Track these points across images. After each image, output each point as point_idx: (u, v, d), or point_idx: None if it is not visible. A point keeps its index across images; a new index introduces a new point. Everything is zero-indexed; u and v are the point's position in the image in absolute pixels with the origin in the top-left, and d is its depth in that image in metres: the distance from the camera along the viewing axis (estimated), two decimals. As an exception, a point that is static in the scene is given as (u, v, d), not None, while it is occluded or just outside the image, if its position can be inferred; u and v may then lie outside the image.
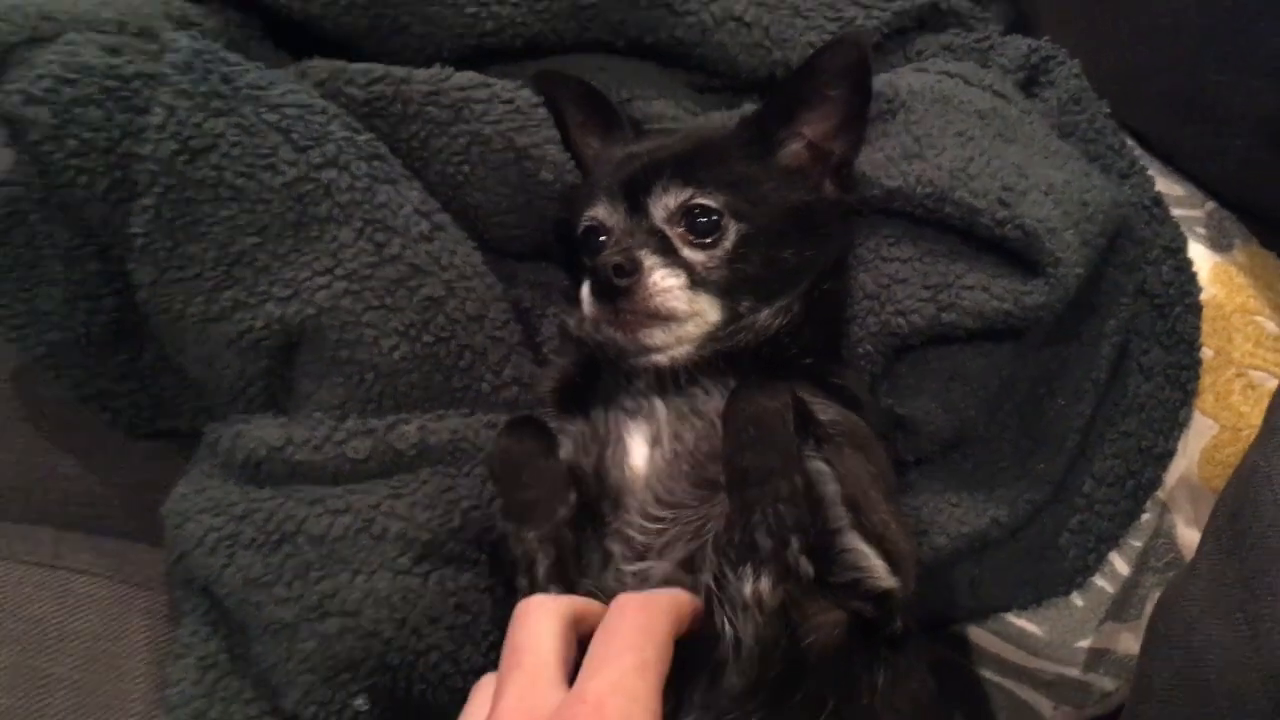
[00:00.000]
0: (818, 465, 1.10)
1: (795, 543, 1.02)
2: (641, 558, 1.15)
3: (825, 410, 1.17)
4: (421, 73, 1.36)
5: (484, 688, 0.99)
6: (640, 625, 0.95)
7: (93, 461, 1.43)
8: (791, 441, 1.07)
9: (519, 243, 1.43)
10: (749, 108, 1.46)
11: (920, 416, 1.35)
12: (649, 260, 1.20)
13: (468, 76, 1.37)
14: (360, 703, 1.17)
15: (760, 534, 1.02)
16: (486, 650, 1.25)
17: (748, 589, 1.02)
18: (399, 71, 1.36)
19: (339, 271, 1.25)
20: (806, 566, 1.02)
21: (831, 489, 1.09)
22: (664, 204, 1.25)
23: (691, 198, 1.24)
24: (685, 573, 1.11)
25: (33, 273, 1.34)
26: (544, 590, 1.11)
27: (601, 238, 1.29)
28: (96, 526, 1.41)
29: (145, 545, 1.39)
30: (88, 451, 1.43)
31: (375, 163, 1.29)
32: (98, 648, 1.29)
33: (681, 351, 1.22)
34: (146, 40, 1.30)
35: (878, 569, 1.10)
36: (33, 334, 1.34)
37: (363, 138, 1.30)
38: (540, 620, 0.97)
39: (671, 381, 1.23)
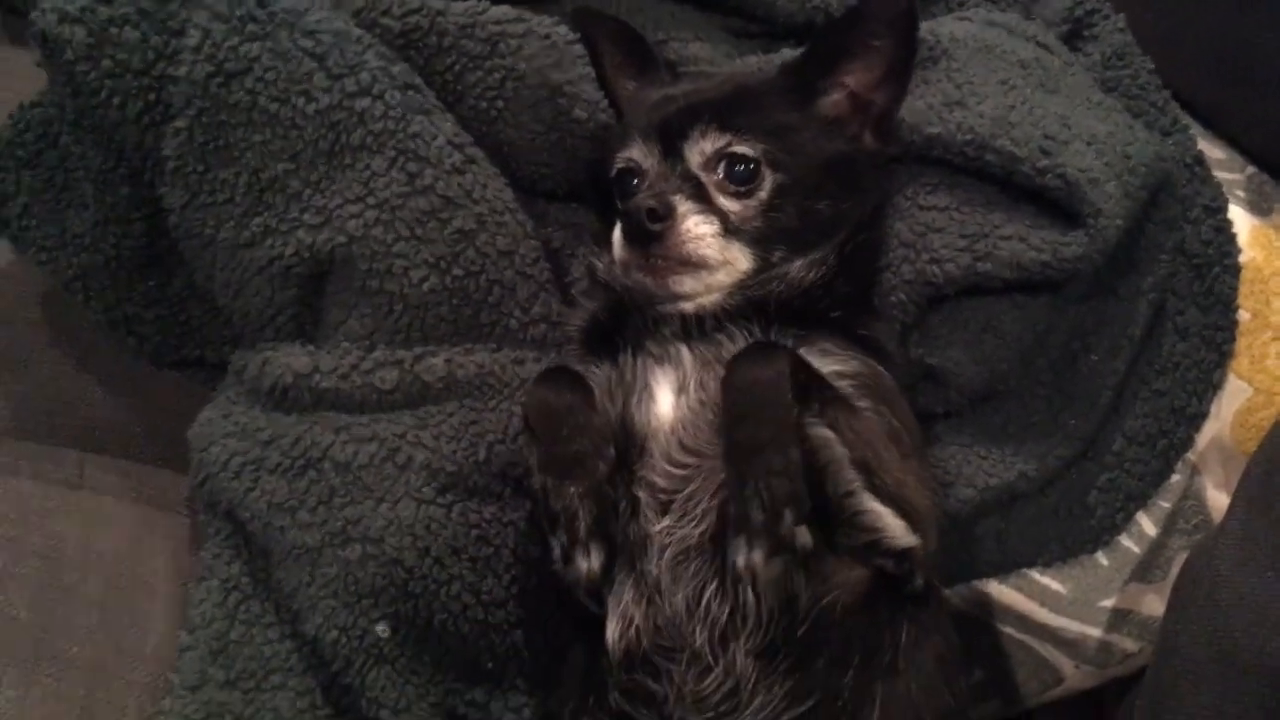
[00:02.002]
0: (821, 432, 1.08)
1: (789, 516, 1.00)
2: (666, 510, 1.14)
3: (848, 361, 1.17)
4: (458, 5, 1.35)
5: None
6: None
7: (118, 388, 1.43)
8: (787, 412, 1.05)
9: (550, 181, 1.42)
10: (786, 53, 1.44)
11: (951, 367, 1.34)
12: (683, 206, 1.18)
13: (503, 11, 1.35)
14: (381, 629, 1.17)
15: (753, 507, 1.01)
16: (509, 584, 1.25)
17: (741, 561, 1.01)
18: (435, 3, 1.34)
19: (370, 200, 1.24)
20: (805, 539, 1.01)
21: (839, 452, 1.08)
22: (700, 149, 1.23)
23: (729, 144, 1.22)
24: (710, 544, 1.11)
25: (63, 196, 1.33)
26: (584, 546, 1.09)
27: (635, 180, 1.27)
28: (121, 451, 1.42)
29: (169, 471, 1.39)
30: (114, 378, 1.43)
31: (409, 93, 1.27)
32: (121, 567, 1.29)
33: (710, 299, 1.21)
34: (183, -37, 1.29)
35: (894, 528, 1.09)
36: (62, 257, 1.34)
37: (397, 68, 1.28)
38: None
39: (697, 327, 1.22)
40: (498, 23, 1.34)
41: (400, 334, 1.27)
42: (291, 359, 1.24)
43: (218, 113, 1.22)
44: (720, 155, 1.22)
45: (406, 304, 1.26)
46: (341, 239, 1.24)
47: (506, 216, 1.31)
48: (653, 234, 1.17)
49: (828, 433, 1.08)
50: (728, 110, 1.23)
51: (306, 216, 1.24)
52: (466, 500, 1.23)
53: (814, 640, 1.09)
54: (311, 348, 1.27)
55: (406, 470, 1.20)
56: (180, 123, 1.22)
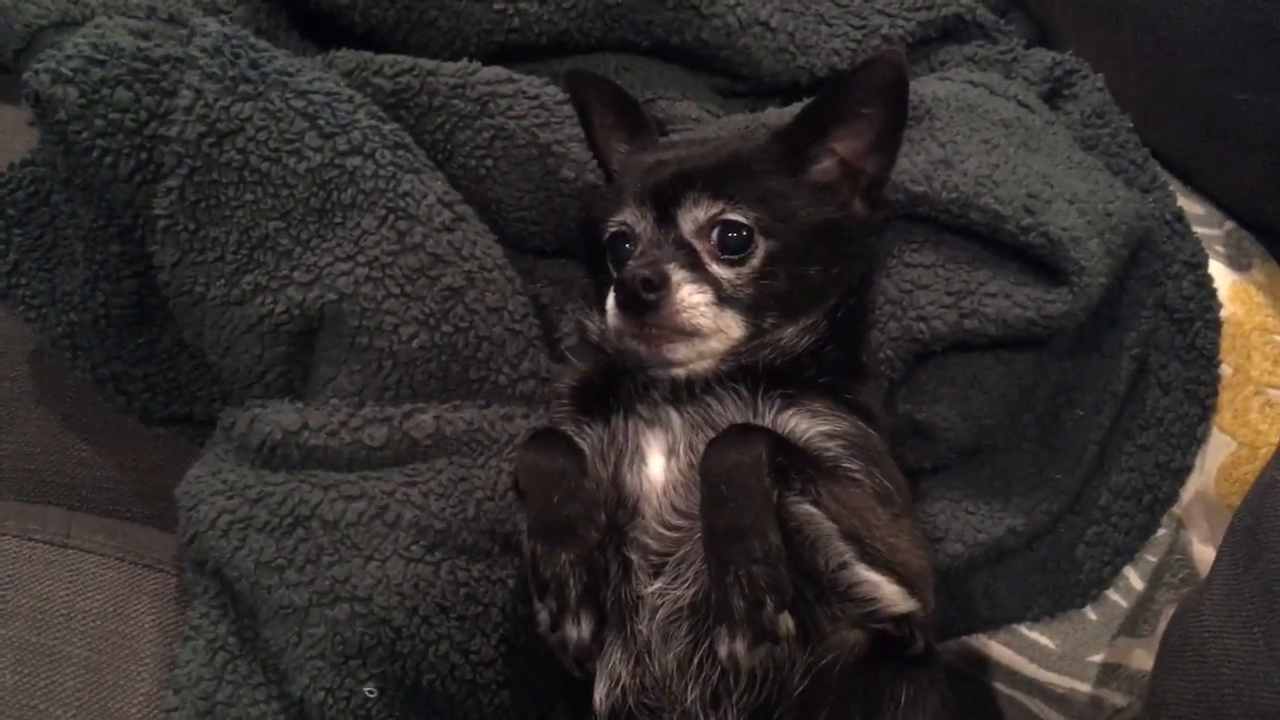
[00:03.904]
0: (805, 509, 1.08)
1: (770, 604, 1.00)
2: (659, 572, 1.13)
3: (837, 422, 1.17)
4: (449, 66, 1.37)
5: None
6: None
7: (106, 446, 1.43)
8: (765, 496, 1.04)
9: (538, 239, 1.43)
10: (772, 111, 1.46)
11: (938, 423, 1.35)
12: (677, 275, 1.18)
13: (494, 71, 1.38)
14: (369, 690, 1.16)
15: (734, 596, 1.00)
16: (497, 642, 1.24)
17: (723, 650, 1.01)
18: (426, 64, 1.37)
19: (361, 258, 1.25)
20: (787, 625, 1.01)
21: (827, 527, 1.08)
22: (693, 216, 1.23)
23: (722, 212, 1.22)
24: (702, 605, 1.10)
25: (54, 253, 1.35)
26: (574, 614, 1.08)
27: (628, 245, 1.28)
28: (107, 509, 1.41)
29: (155, 529, 1.39)
30: (101, 436, 1.43)
31: (400, 152, 1.29)
32: (106, 627, 1.28)
33: (702, 365, 1.21)
34: (176, 25, 1.31)
35: (891, 595, 1.10)
36: (52, 315, 1.34)
37: (388, 127, 1.30)
38: None
39: (687, 391, 1.22)
40: (488, 83, 1.36)
41: (389, 391, 1.27)
42: (280, 416, 1.24)
43: (209, 172, 1.23)
44: (713, 223, 1.23)
45: (396, 361, 1.26)
46: (332, 296, 1.24)
47: (495, 273, 1.32)
48: (647, 303, 1.16)
49: (812, 509, 1.08)
50: (720, 178, 1.24)
51: (297, 274, 1.25)
52: (455, 558, 1.22)
53: (811, 700, 1.09)
54: (300, 405, 1.26)
55: (395, 528, 1.20)
56: (172, 182, 1.23)
